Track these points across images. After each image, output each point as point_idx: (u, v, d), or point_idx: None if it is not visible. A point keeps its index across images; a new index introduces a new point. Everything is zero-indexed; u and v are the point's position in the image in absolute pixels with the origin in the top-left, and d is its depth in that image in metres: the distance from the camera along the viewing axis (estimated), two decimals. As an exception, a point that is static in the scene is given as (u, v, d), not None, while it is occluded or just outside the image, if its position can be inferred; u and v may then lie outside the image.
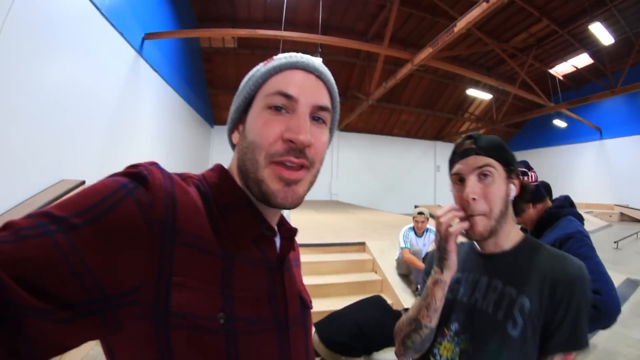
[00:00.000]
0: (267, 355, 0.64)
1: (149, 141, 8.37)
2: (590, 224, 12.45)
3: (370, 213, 12.44)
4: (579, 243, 1.84)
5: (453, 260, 1.08)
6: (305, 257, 4.70)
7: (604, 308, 1.65)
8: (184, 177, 0.66)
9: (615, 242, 9.46)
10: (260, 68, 0.70)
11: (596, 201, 17.03)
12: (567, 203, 2.11)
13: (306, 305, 0.81)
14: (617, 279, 6.29)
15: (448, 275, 1.08)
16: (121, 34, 6.45)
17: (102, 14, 5.63)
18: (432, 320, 1.11)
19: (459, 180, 1.10)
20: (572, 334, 0.95)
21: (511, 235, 1.11)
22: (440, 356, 1.13)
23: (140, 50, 7.44)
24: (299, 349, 0.72)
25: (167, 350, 0.53)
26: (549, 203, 2.12)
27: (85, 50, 5.29)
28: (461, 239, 1.12)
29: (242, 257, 0.64)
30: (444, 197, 20.31)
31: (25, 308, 0.41)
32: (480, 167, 1.05)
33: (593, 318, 1.63)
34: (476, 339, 1.06)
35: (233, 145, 0.74)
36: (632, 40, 12.15)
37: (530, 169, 2.05)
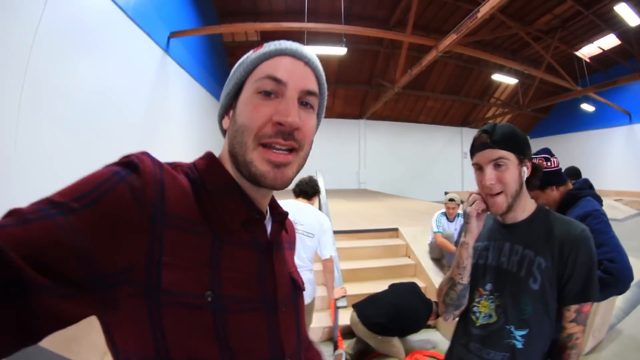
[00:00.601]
0: (255, 333, 0.68)
1: (180, 137, 8.57)
2: (620, 211, 12.16)
3: (399, 200, 12.45)
4: (597, 220, 2.05)
5: (474, 225, 1.31)
6: (340, 243, 4.83)
7: (618, 275, 1.88)
8: (174, 165, 0.70)
9: (644, 231, 9.17)
10: (251, 55, 0.73)
11: (626, 188, 16.46)
12: (586, 185, 2.34)
13: (297, 286, 0.85)
14: (645, 267, 6.20)
15: (470, 238, 1.32)
16: (148, 34, 6.59)
17: (128, 16, 5.76)
18: (463, 278, 1.35)
19: (478, 168, 1.32)
20: (583, 287, 1.21)
21: (527, 208, 1.36)
22: (480, 313, 1.36)
23: (166, 49, 7.59)
24: (290, 329, 0.77)
25: (159, 327, 0.57)
26: (570, 186, 2.33)
27: (114, 52, 5.43)
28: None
29: (231, 239, 0.68)
30: (471, 183, 19.66)
31: (34, 284, 0.45)
32: (495, 159, 1.27)
33: (609, 284, 1.88)
34: (506, 294, 1.30)
35: (224, 132, 0.77)
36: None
37: (552, 155, 2.29)
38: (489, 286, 1.36)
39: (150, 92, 6.92)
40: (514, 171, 1.27)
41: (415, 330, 3.78)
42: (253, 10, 12.24)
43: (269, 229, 0.78)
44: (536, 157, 2.24)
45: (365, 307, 3.64)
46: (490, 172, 1.27)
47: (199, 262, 0.62)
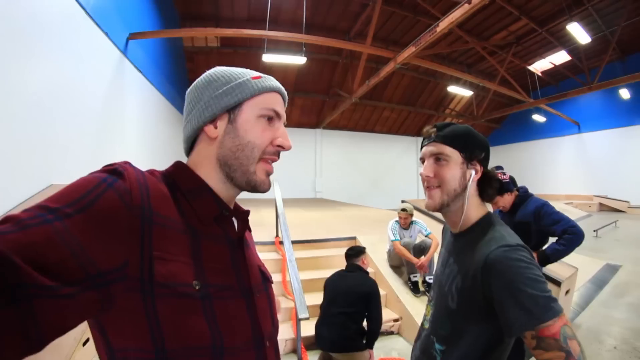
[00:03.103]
0: (238, 317, 0.76)
1: (134, 142, 8.22)
2: (571, 214, 12.68)
3: (356, 209, 12.50)
4: (549, 206, 3.10)
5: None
6: (298, 253, 4.79)
7: (580, 233, 2.94)
8: (151, 171, 0.77)
9: (595, 231, 9.89)
10: (252, 81, 0.84)
11: (576, 192, 17.58)
12: (527, 190, 3.33)
13: (266, 277, 0.95)
14: (597, 264, 6.61)
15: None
16: (106, 34, 6.31)
17: (87, 13, 5.52)
18: None
19: (422, 161, 1.29)
20: (514, 314, 0.96)
21: (470, 218, 1.24)
22: (426, 315, 1.37)
23: (124, 51, 7.30)
24: (265, 314, 0.85)
25: (154, 319, 0.62)
26: (516, 192, 3.29)
27: (70, 51, 5.16)
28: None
29: (207, 233, 0.76)
30: (427, 192, 20.50)
31: (35, 287, 0.48)
32: (436, 153, 1.22)
33: (575, 240, 2.94)
34: (436, 306, 1.28)
35: (193, 136, 0.86)
36: (609, 38, 12.47)
37: (503, 171, 3.25)
38: (432, 293, 1.36)
39: (106, 95, 6.61)
40: (455, 169, 1.20)
41: (374, 313, 3.46)
42: (215, 15, 12.09)
43: (235, 226, 0.87)
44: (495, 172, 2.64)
45: (319, 330, 3.45)
46: (429, 164, 1.24)
47: (185, 254, 0.69)
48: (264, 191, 0.85)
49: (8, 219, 0.53)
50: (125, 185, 0.64)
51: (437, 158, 1.22)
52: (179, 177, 0.80)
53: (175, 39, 11.81)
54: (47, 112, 4.59)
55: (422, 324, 1.37)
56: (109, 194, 0.61)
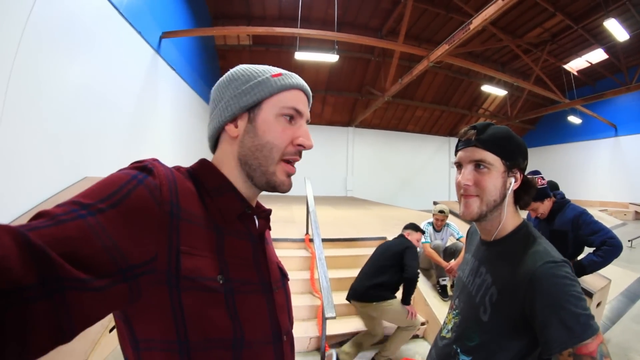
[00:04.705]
0: (258, 311, 0.78)
1: (167, 138, 8.46)
2: (605, 222, 12.22)
3: (386, 209, 12.38)
4: (588, 215, 3.01)
5: None
6: (328, 251, 4.78)
7: (618, 244, 2.85)
8: (177, 168, 0.79)
9: (629, 241, 9.38)
10: (272, 79, 0.84)
11: (611, 199, 16.76)
12: (564, 196, 3.23)
13: (284, 274, 0.97)
14: (630, 277, 6.29)
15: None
16: (139, 33, 6.49)
17: (120, 13, 5.68)
18: None
19: (459, 167, 1.19)
20: (556, 332, 0.93)
21: (505, 227, 1.17)
22: (446, 325, 1.31)
23: (158, 49, 7.50)
24: (283, 309, 0.87)
25: (179, 311, 0.65)
26: (554, 198, 3.20)
27: (105, 50, 5.34)
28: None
29: (230, 230, 0.78)
30: (458, 194, 20.16)
31: (69, 280, 0.49)
32: (477, 160, 1.13)
33: (614, 252, 2.85)
34: (462, 315, 1.22)
35: (216, 134, 0.88)
36: (648, 35, 11.97)
37: (541, 176, 3.06)
38: (457, 301, 1.30)
39: (140, 92, 6.82)
40: (497, 178, 1.12)
41: (410, 274, 3.71)
42: (246, 14, 12.22)
43: (257, 223, 0.88)
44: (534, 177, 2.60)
45: (353, 285, 3.80)
46: (469, 171, 1.14)
47: (209, 249, 0.72)
48: (284, 192, 0.86)
49: (42, 214, 0.55)
50: (155, 181, 0.66)
51: (478, 165, 1.13)
52: (204, 174, 0.82)
53: (207, 37, 12.01)
54: (84, 108, 4.77)
55: (441, 332, 1.31)
56: (140, 190, 0.63)
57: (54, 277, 0.48)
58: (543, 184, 3.07)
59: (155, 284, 0.63)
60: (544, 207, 3.15)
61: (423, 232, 4.21)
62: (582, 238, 2.98)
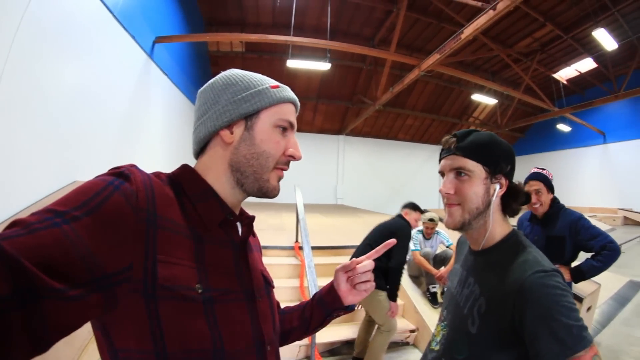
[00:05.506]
0: (239, 320, 0.77)
1: (158, 142, 8.40)
2: (595, 228, 12.50)
3: (377, 217, 12.19)
4: (586, 220, 2.92)
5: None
6: (317, 259, 4.75)
7: (617, 248, 2.82)
8: (157, 174, 0.78)
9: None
10: (272, 90, 0.86)
11: (600, 205, 16.97)
12: (559, 201, 3.09)
13: (268, 282, 0.96)
14: (620, 281, 6.39)
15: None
16: (133, 37, 6.45)
17: (114, 16, 5.64)
18: None
19: (442, 174, 1.19)
20: (553, 342, 0.89)
21: (493, 235, 1.14)
22: (435, 336, 1.27)
23: (151, 54, 7.45)
24: (266, 318, 0.86)
25: (156, 320, 0.64)
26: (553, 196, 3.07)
27: (98, 53, 5.29)
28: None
29: (211, 237, 0.78)
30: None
31: (43, 289, 0.49)
32: (456, 168, 1.13)
33: (613, 257, 2.81)
34: (451, 327, 1.19)
35: (207, 138, 0.86)
36: (636, 44, 12.20)
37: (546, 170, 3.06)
38: (445, 312, 1.27)
39: (132, 96, 6.77)
40: (478, 185, 1.10)
41: (399, 257, 3.49)
42: (239, 20, 12.21)
43: (240, 230, 0.88)
44: (542, 171, 3.04)
45: None
46: (449, 179, 1.14)
47: (187, 258, 0.70)
48: (274, 197, 0.89)
49: (17, 222, 0.54)
50: (132, 188, 0.65)
51: (458, 172, 1.12)
52: (185, 180, 0.81)
53: (200, 43, 11.98)
54: (74, 111, 4.71)
55: (430, 344, 1.28)
56: (116, 197, 0.62)
57: (29, 287, 0.48)
58: (549, 175, 3.04)
59: (131, 293, 0.62)
60: (547, 195, 2.99)
61: (422, 212, 4.09)
62: (581, 243, 2.90)
